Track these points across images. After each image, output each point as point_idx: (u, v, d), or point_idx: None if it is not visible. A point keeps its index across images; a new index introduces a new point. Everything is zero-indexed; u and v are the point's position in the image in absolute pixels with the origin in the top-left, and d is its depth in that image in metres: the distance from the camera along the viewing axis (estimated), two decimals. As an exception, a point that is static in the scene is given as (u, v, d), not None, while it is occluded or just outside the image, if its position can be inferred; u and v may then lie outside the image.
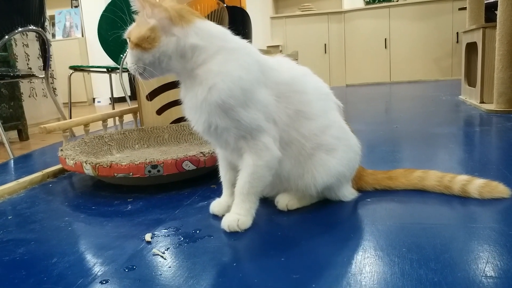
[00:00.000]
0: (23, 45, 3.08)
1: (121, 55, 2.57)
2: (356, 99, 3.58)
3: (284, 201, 0.98)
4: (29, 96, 3.11)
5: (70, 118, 2.67)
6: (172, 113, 1.79)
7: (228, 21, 2.43)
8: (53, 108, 3.05)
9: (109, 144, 1.56)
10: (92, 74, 5.40)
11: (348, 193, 1.01)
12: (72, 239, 0.91)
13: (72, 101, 3.11)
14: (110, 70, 3.06)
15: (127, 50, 0.87)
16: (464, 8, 2.99)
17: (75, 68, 3.00)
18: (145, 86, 1.61)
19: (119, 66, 2.65)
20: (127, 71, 2.55)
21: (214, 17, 2.24)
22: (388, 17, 5.30)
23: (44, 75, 2.36)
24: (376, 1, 5.39)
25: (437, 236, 0.79)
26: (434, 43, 5.16)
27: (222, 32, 0.87)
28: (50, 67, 2.51)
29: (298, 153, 0.92)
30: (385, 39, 5.35)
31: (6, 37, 1.94)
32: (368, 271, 0.68)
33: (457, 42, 5.05)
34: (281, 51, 5.52)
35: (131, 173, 1.14)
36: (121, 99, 4.75)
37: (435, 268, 0.67)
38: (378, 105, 3.15)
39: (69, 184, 1.38)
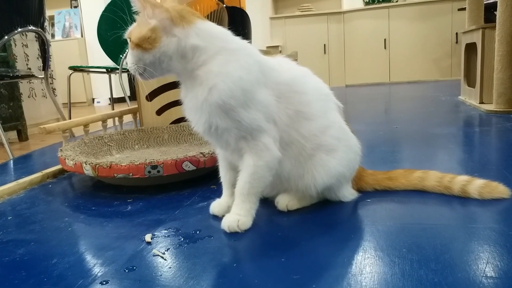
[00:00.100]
0: (23, 45, 3.08)
1: (121, 56, 2.57)
2: (355, 100, 3.58)
3: (284, 202, 0.98)
4: (29, 97, 3.11)
5: (70, 118, 2.67)
6: (172, 114, 1.79)
7: (228, 22, 2.43)
8: (53, 109, 3.05)
9: (109, 145, 1.56)
10: (91, 74, 5.41)
11: (348, 194, 1.01)
12: (72, 240, 0.91)
13: (71, 101, 3.11)
14: (109, 70, 3.06)
15: (127, 50, 0.87)
16: (464, 9, 3.00)
17: (75, 69, 2.99)
18: (145, 87, 1.61)
19: (118, 67, 2.65)
20: (127, 71, 2.55)
21: (214, 17, 2.24)
22: (387, 18, 5.31)
23: (43, 76, 2.36)
24: (376, 2, 5.40)
25: (437, 237, 0.79)
26: (434, 43, 5.17)
27: (223, 33, 0.87)
28: (50, 68, 2.51)
29: (298, 153, 0.92)
30: (385, 39, 5.36)
31: (6, 37, 1.94)
32: (368, 271, 0.68)
33: (457, 42, 5.06)
34: (280, 51, 5.52)
35: (131, 174, 1.14)
36: (121, 100, 4.75)
37: (435, 269, 0.67)
38: (377, 106, 3.15)
39: (69, 185, 1.38)
